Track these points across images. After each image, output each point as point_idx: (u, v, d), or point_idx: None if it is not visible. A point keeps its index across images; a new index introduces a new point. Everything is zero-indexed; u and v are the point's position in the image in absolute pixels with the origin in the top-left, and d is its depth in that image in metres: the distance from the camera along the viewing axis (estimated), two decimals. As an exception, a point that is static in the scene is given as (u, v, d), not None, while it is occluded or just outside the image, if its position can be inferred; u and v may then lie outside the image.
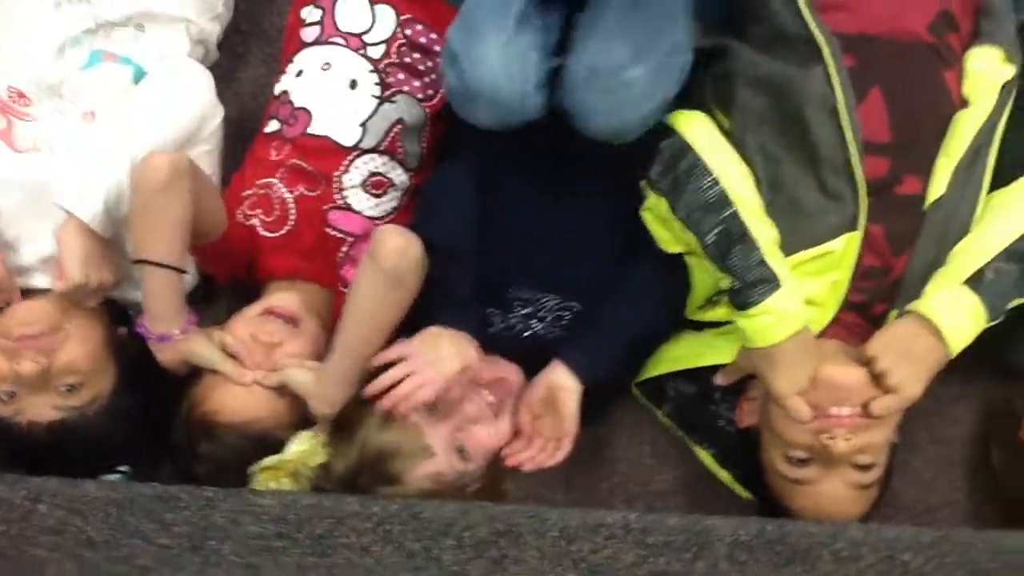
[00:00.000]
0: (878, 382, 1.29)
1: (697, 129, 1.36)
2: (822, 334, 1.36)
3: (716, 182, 1.31)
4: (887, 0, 1.40)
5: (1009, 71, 1.38)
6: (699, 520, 1.29)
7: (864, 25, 1.39)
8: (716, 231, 1.30)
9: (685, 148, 1.34)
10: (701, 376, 1.49)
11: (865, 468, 1.32)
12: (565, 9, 1.34)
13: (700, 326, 1.47)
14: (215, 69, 1.59)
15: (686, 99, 1.40)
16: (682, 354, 1.48)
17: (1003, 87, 1.37)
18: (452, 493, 1.36)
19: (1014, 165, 1.41)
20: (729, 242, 1.29)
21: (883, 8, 1.40)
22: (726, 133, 1.39)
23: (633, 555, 1.28)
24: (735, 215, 1.30)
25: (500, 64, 1.23)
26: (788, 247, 1.35)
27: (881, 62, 1.38)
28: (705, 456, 1.53)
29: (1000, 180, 1.40)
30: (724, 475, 1.53)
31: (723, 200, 1.30)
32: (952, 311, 1.29)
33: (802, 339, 1.30)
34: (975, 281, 1.30)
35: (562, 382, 1.40)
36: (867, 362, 1.31)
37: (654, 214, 1.39)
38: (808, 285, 1.36)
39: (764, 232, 1.31)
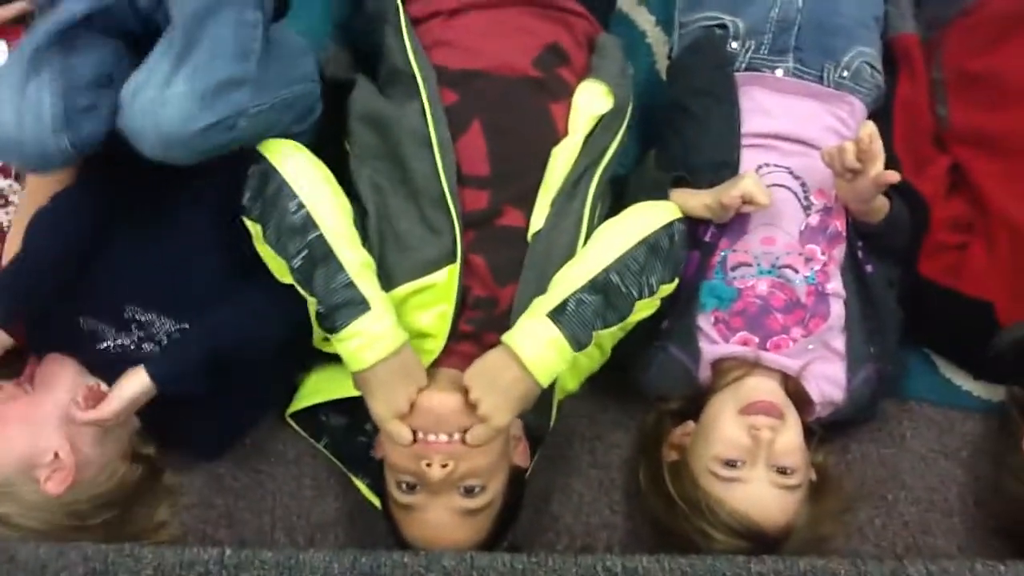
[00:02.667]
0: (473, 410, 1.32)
1: (285, 154, 1.37)
2: (438, 363, 1.39)
3: (301, 205, 1.32)
4: (492, 36, 1.45)
5: (607, 104, 1.42)
6: (293, 555, 1.29)
7: (469, 61, 1.44)
8: (301, 254, 1.32)
9: (271, 172, 1.35)
10: (351, 408, 1.50)
11: (471, 493, 1.34)
12: (113, 41, 1.35)
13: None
14: None
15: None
16: (324, 386, 1.49)
17: (600, 120, 1.41)
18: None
19: (632, 199, 1.45)
20: (313, 265, 1.31)
21: (488, 44, 1.44)
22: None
23: (228, 591, 1.30)
24: (320, 238, 1.31)
25: (12, 113, 1.24)
26: (396, 279, 1.37)
27: (484, 97, 1.42)
28: (362, 486, 1.54)
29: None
30: (379, 504, 1.54)
31: (308, 223, 1.32)
32: (534, 343, 1.31)
33: (398, 363, 1.32)
34: (557, 312, 1.32)
35: (131, 376, 1.37)
36: (466, 390, 1.34)
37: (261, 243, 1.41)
38: (420, 317, 1.39)
39: (352, 256, 1.32)
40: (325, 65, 1.53)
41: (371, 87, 1.45)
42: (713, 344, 1.48)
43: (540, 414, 1.46)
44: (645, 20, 1.76)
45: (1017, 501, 1.50)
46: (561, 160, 1.40)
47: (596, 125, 1.42)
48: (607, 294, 1.34)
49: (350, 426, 1.54)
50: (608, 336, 1.46)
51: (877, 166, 1.36)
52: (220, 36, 1.27)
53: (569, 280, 1.35)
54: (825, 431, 1.53)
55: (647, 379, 1.51)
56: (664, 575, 1.32)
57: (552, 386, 1.42)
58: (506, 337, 1.33)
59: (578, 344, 1.32)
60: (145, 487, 1.50)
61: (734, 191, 1.40)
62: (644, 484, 1.53)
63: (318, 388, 1.49)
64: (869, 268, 1.50)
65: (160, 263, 1.45)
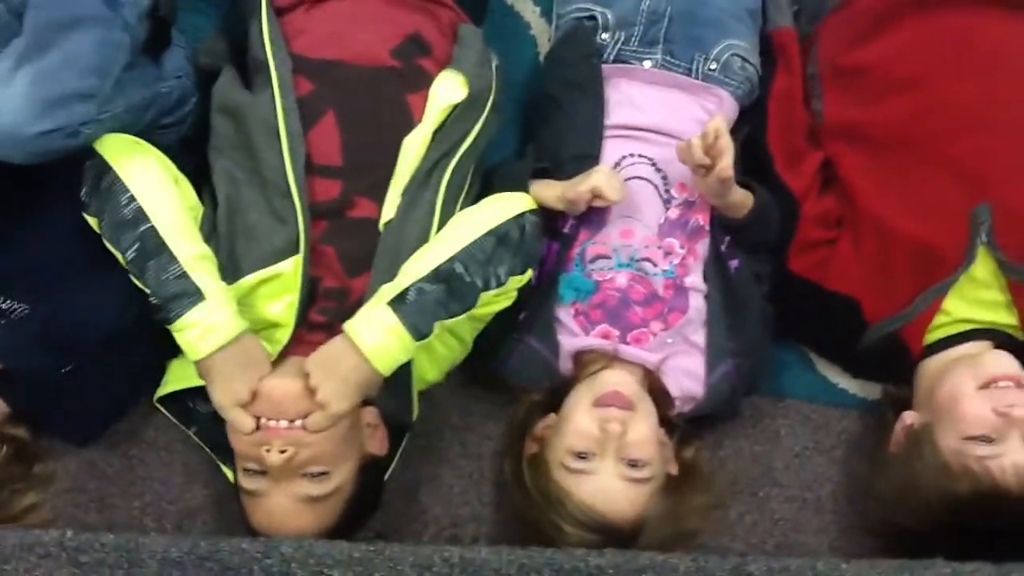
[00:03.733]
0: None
1: (120, 149, 1.38)
2: (289, 352, 1.39)
3: (133, 199, 1.33)
4: (352, 26, 1.45)
5: (461, 94, 1.42)
6: (133, 538, 1.31)
7: (327, 51, 1.44)
8: (134, 247, 1.32)
9: (105, 167, 1.36)
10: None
11: (315, 479, 1.34)
12: None
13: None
14: None
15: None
16: (186, 372, 1.49)
17: (453, 109, 1.41)
18: None
19: (496, 190, 1.46)
20: (146, 257, 1.32)
21: (347, 34, 1.45)
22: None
23: (67, 573, 1.29)
24: (152, 230, 1.32)
25: None
26: (244, 269, 1.38)
27: (339, 87, 1.42)
28: (229, 473, 1.55)
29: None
30: (243, 491, 1.55)
31: (139, 216, 1.33)
32: (373, 331, 1.31)
33: (237, 350, 1.32)
34: (397, 301, 1.32)
35: None
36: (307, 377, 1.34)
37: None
38: (270, 306, 1.39)
39: (187, 248, 1.33)
40: (198, 55, 1.54)
41: (233, 78, 1.46)
42: (573, 336, 1.47)
43: (398, 402, 1.47)
44: (530, 12, 1.75)
45: (884, 500, 1.49)
46: (411, 150, 1.40)
47: (449, 115, 1.42)
48: (450, 283, 1.34)
49: (217, 414, 1.55)
50: (467, 327, 1.46)
51: (723, 161, 1.35)
52: (78, 49, 1.29)
53: (413, 269, 1.35)
54: (695, 427, 1.53)
55: (507, 370, 1.51)
56: (503, 567, 1.33)
57: (407, 374, 1.42)
58: (347, 325, 1.33)
59: (419, 333, 1.33)
60: (14, 470, 1.52)
61: (583, 186, 1.40)
62: (508, 477, 1.53)
63: (181, 375, 1.49)
64: (735, 263, 1.50)
65: (18, 249, 1.46)
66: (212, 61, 1.53)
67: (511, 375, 1.51)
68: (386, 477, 1.50)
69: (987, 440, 1.37)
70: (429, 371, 1.49)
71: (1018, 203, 1.46)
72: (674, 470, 1.47)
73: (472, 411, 1.62)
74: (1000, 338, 1.50)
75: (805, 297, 1.53)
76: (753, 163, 1.55)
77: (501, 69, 1.53)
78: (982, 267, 1.48)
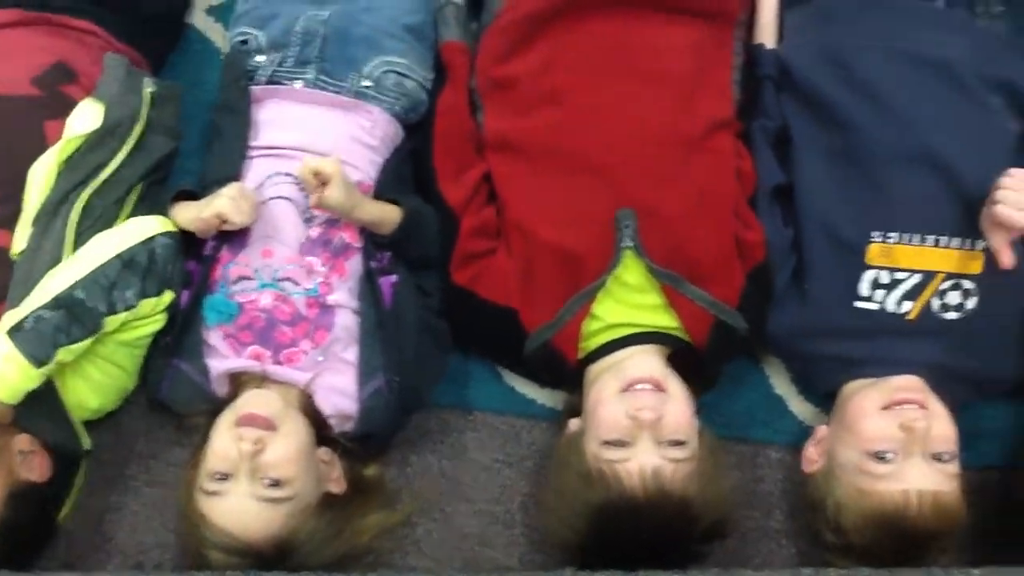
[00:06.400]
0: None
1: None
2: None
3: None
4: (-4, 56, 1.46)
5: (95, 124, 1.43)
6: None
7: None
8: None
9: None
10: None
11: None
12: None
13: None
14: None
15: None
16: None
17: (86, 140, 1.42)
18: None
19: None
20: None
21: (-7, 64, 1.46)
22: None
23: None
24: None
25: None
26: None
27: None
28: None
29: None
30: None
31: None
32: None
33: None
34: (15, 329, 1.32)
35: None
36: None
37: None
38: None
39: None
40: None
41: None
42: (222, 359, 1.47)
43: (60, 430, 1.45)
44: (220, 37, 1.76)
45: (544, 511, 1.48)
46: (37, 179, 1.40)
47: (82, 145, 1.43)
48: (70, 309, 1.33)
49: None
50: (121, 352, 1.46)
51: (328, 190, 1.37)
52: None
53: (35, 297, 1.35)
54: (364, 444, 1.52)
55: (162, 395, 1.50)
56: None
57: (57, 401, 1.42)
58: None
59: (37, 360, 1.32)
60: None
61: (206, 211, 1.41)
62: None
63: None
64: (392, 279, 1.49)
65: None
66: None
67: (167, 400, 1.51)
68: (65, 508, 1.51)
69: (620, 444, 1.37)
70: (90, 398, 1.49)
71: (660, 206, 1.46)
72: (337, 488, 1.45)
73: (157, 438, 1.60)
74: (667, 341, 1.50)
75: (467, 309, 1.52)
76: (420, 178, 1.56)
77: (175, 96, 1.56)
78: (633, 271, 1.47)
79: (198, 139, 1.65)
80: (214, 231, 1.43)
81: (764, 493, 1.60)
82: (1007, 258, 1.39)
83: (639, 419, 1.35)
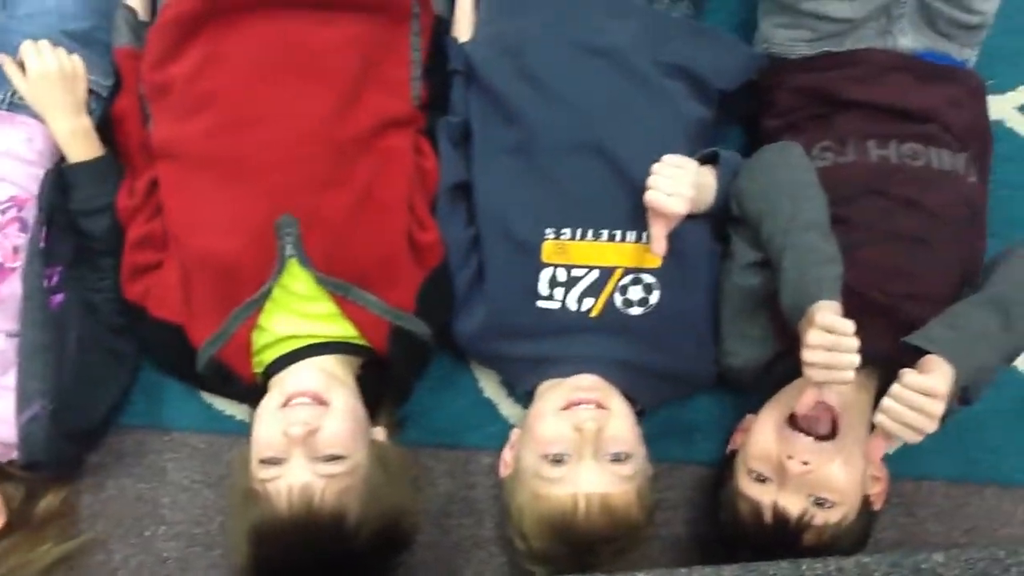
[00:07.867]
0: None
1: None
2: None
3: None
4: None
5: None
6: None
7: None
8: None
9: None
10: None
11: None
12: None
13: None
14: None
15: None
16: None
17: None
18: None
19: None
20: None
21: None
22: None
23: None
24: None
25: None
26: None
27: None
28: None
29: None
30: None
31: None
32: None
33: None
34: None
35: None
36: None
37: None
38: None
39: None
40: None
41: None
42: None
43: None
44: None
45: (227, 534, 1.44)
46: None
47: None
48: None
49: None
50: None
51: None
52: None
53: None
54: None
55: None
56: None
57: None
58: None
59: None
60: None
61: None
62: None
63: None
64: (59, 297, 1.42)
65: None
66: None
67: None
68: None
69: (274, 462, 1.31)
70: None
71: (321, 210, 1.40)
72: None
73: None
74: (350, 351, 1.44)
75: (141, 326, 1.46)
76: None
77: None
78: (301, 280, 1.41)
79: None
80: None
81: (475, 500, 1.57)
82: (658, 247, 1.35)
83: (290, 435, 1.30)
